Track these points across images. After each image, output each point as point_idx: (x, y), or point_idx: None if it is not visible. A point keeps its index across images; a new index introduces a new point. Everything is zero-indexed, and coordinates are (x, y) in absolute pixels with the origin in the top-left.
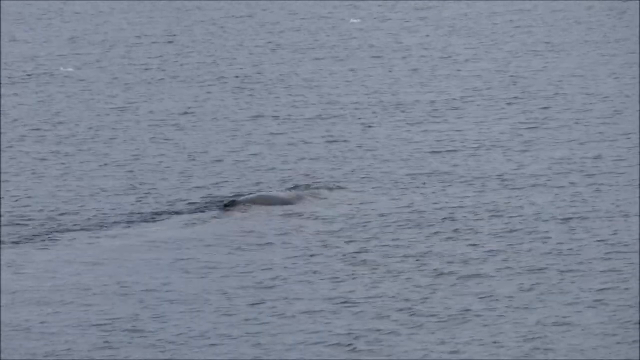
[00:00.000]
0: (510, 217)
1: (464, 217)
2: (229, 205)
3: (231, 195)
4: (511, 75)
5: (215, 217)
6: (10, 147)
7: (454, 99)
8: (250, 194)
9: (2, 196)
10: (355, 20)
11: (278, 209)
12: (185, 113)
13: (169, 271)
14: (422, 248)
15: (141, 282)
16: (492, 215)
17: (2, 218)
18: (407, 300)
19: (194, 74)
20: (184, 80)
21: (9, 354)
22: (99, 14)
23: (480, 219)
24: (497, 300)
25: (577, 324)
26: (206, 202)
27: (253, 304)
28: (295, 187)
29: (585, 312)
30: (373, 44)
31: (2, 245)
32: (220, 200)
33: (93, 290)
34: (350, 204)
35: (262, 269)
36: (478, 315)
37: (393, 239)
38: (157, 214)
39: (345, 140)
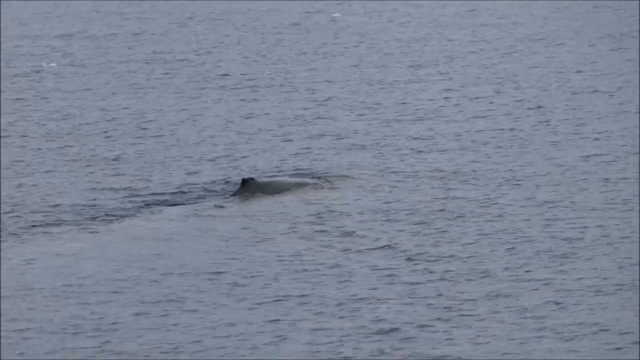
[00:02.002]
0: (513, 215)
1: (470, 214)
2: (247, 181)
3: (248, 173)
4: (502, 71)
5: (220, 205)
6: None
7: (444, 95)
8: (265, 177)
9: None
10: (336, 15)
11: (291, 196)
12: (175, 110)
13: (161, 266)
14: (441, 244)
15: (140, 277)
16: (487, 213)
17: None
18: (424, 297)
19: (182, 72)
20: (171, 78)
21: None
22: (90, 12)
23: (478, 218)
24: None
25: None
26: (205, 194)
27: (254, 303)
28: (308, 175)
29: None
30: (356, 38)
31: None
32: (218, 194)
33: (91, 286)
34: (363, 194)
35: (264, 265)
36: (479, 316)
37: (404, 233)
38: (157, 204)
39: (344, 134)
